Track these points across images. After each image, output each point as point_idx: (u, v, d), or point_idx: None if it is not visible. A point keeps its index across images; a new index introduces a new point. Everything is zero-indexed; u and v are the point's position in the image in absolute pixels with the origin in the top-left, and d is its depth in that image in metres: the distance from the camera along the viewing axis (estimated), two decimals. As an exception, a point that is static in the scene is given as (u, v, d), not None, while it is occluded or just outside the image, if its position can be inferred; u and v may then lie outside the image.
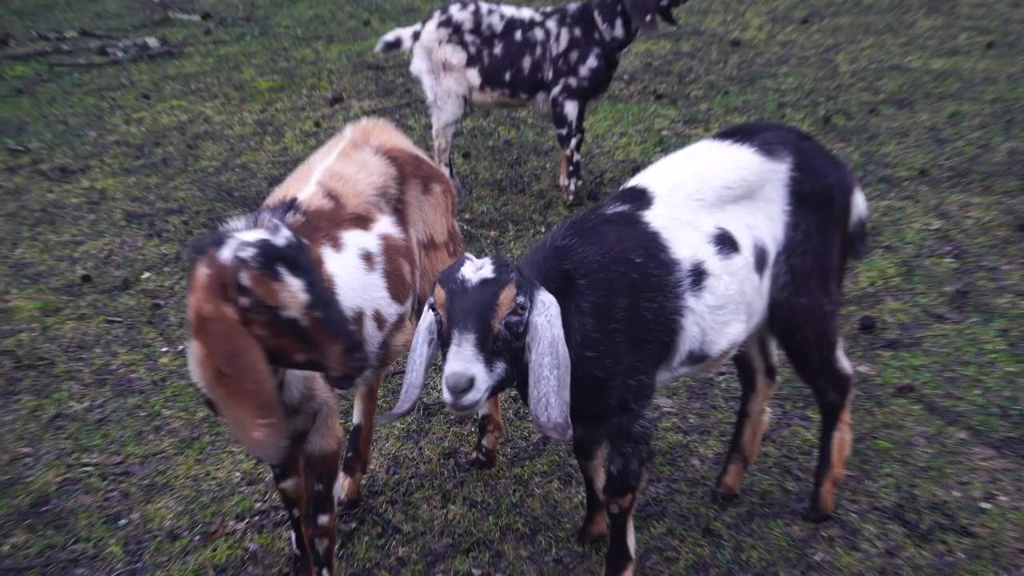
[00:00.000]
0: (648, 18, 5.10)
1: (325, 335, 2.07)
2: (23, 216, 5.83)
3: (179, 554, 3.13)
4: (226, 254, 2.07)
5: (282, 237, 2.12)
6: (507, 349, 2.17)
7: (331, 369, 2.11)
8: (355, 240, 2.62)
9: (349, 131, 2.95)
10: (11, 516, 3.34)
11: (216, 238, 2.14)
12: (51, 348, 4.41)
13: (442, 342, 2.20)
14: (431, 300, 2.25)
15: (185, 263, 5.10)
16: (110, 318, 4.63)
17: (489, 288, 2.15)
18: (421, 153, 3.05)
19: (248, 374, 2.07)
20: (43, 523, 3.30)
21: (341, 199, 2.64)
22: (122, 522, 3.30)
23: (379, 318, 2.65)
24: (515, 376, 2.24)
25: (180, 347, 4.36)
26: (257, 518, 3.27)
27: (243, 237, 2.10)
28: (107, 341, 4.45)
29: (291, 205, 2.54)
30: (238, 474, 3.50)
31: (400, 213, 2.85)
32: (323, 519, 2.63)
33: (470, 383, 2.07)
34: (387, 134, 2.97)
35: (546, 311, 2.22)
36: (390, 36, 5.61)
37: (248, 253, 2.05)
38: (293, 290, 2.05)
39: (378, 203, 2.77)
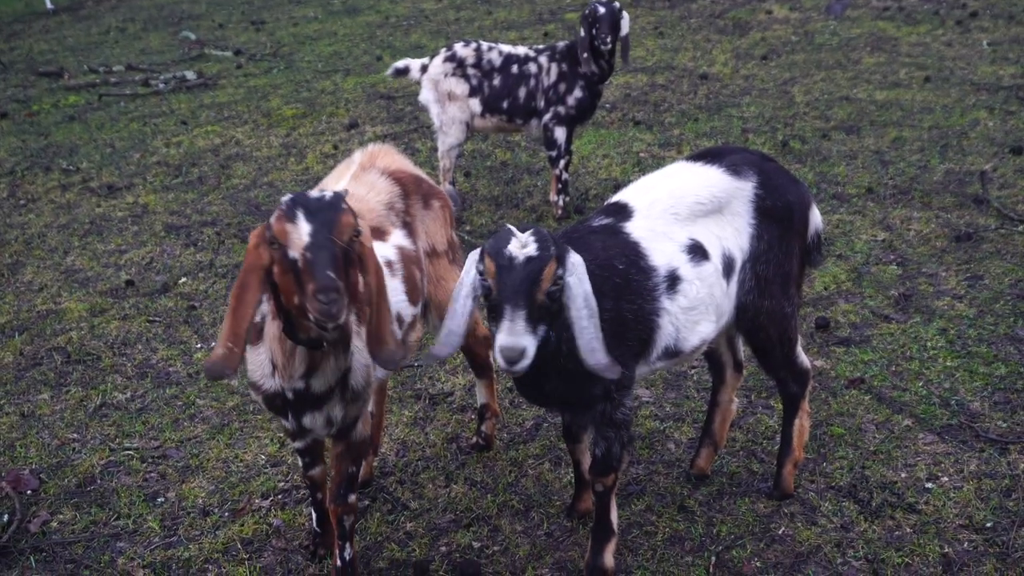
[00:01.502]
0: (584, 55, 5.14)
1: (307, 274, 2.03)
2: (74, 228, 5.77)
3: (210, 529, 3.08)
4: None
5: (331, 193, 2.11)
6: (547, 314, 2.16)
7: (309, 312, 2.03)
8: (377, 250, 2.59)
9: (358, 155, 2.91)
10: (59, 495, 3.29)
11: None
12: (98, 345, 4.36)
13: (491, 310, 2.18)
14: (479, 266, 2.21)
15: (218, 269, 5.05)
16: (151, 318, 4.58)
17: (534, 265, 2.12)
18: (421, 173, 3.02)
19: (242, 305, 2.11)
20: (88, 501, 3.25)
21: (359, 216, 2.62)
22: (159, 500, 3.25)
23: (400, 319, 2.62)
24: (552, 333, 2.22)
25: (212, 344, 4.31)
26: (280, 496, 3.23)
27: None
28: (148, 339, 4.39)
29: None
30: (263, 457, 3.45)
31: (409, 226, 2.82)
32: (352, 497, 2.61)
33: (522, 354, 2.08)
34: (390, 157, 2.94)
35: (576, 271, 2.20)
36: (400, 64, 5.64)
37: (285, 199, 2.09)
38: (300, 232, 2.04)
39: (388, 217, 2.75)
